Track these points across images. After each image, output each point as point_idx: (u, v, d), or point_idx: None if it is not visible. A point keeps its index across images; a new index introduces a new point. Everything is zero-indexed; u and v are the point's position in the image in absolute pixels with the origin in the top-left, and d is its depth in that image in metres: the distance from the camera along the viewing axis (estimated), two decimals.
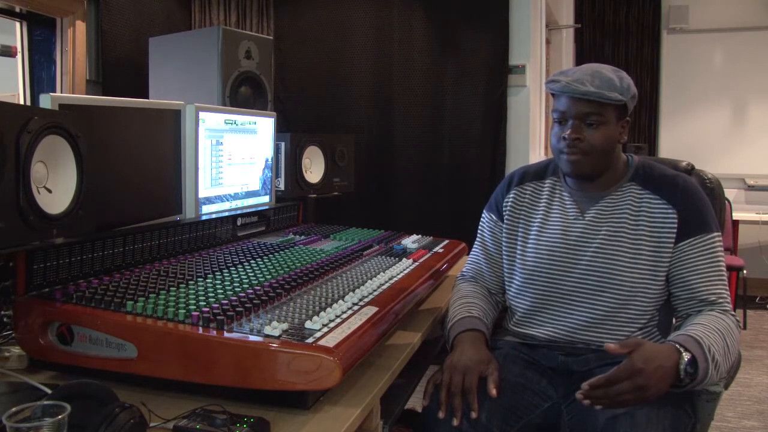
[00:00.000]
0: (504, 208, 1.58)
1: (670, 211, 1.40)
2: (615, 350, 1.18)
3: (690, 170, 1.66)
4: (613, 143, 1.42)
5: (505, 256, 1.57)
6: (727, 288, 1.39)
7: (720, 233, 1.42)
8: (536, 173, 1.59)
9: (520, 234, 1.54)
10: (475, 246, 1.65)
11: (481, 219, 1.65)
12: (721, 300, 1.36)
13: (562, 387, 1.42)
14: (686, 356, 1.18)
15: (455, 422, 1.25)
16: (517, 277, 1.53)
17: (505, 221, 1.57)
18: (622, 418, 1.22)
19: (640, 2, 5.62)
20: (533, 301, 1.49)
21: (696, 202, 1.41)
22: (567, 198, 1.51)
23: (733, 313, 1.35)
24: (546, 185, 1.56)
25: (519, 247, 1.54)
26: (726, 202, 2.15)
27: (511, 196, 1.58)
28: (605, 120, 1.38)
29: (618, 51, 5.71)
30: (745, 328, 4.36)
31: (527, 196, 1.57)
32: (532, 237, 1.52)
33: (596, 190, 1.47)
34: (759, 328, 4.43)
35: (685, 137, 5.59)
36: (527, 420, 1.35)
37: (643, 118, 5.68)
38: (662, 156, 5.45)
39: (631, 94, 1.40)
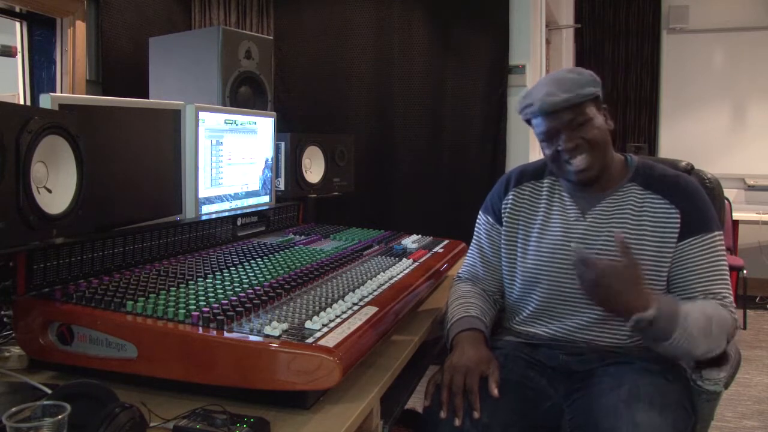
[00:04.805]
0: (503, 211, 1.56)
1: (672, 210, 1.40)
2: (617, 239, 1.26)
3: (689, 170, 1.66)
4: (606, 133, 1.43)
5: (504, 260, 1.56)
6: (729, 287, 1.38)
7: (721, 232, 1.41)
8: (534, 172, 1.57)
9: (519, 238, 1.53)
10: (471, 248, 1.64)
11: (477, 220, 1.62)
12: (720, 297, 1.36)
13: (563, 386, 1.42)
14: (646, 315, 1.20)
15: (457, 422, 1.25)
16: (518, 281, 1.52)
17: (503, 224, 1.55)
18: (624, 418, 1.21)
19: (640, 2, 5.62)
20: (536, 304, 1.48)
21: (698, 201, 1.41)
22: (567, 198, 1.50)
23: (732, 309, 1.35)
24: (545, 185, 1.54)
25: (519, 251, 1.52)
26: (726, 202, 2.15)
27: (510, 198, 1.56)
28: (589, 116, 1.39)
29: (618, 51, 5.71)
30: (744, 328, 4.36)
31: (526, 197, 1.55)
32: (532, 240, 1.50)
33: (596, 190, 1.47)
34: (759, 328, 4.43)
35: (685, 137, 5.59)
36: (528, 420, 1.35)
37: (643, 118, 5.68)
38: (662, 156, 5.45)
39: (599, 82, 1.43)
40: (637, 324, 1.21)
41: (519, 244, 1.53)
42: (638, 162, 1.49)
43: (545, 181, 1.55)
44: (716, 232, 1.39)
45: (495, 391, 1.27)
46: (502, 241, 1.55)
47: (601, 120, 1.42)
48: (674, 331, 1.22)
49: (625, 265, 1.23)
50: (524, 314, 1.51)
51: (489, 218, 1.59)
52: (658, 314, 1.20)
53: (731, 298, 1.38)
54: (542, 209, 1.52)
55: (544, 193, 1.53)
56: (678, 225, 1.39)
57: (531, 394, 1.38)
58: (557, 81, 1.40)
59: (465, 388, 1.27)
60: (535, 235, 1.50)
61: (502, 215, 1.56)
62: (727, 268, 1.40)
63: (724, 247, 1.41)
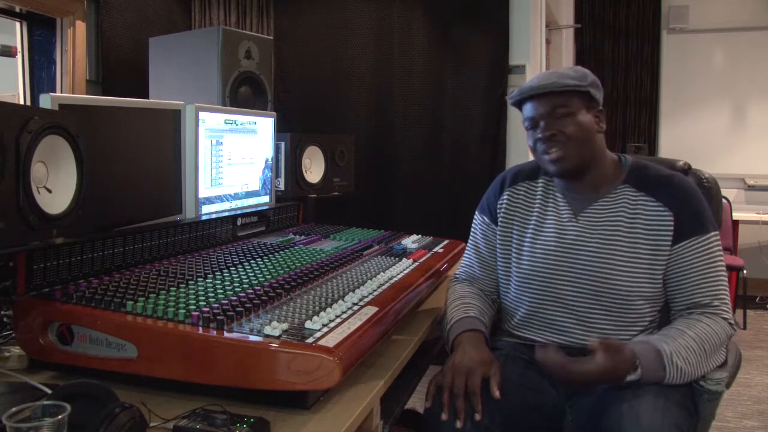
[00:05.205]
0: (498, 211, 1.56)
1: (666, 213, 1.39)
2: (592, 348, 1.24)
3: (687, 170, 1.65)
4: (590, 132, 1.42)
5: (499, 260, 1.56)
6: (726, 288, 1.38)
7: (717, 232, 1.41)
8: (529, 172, 1.57)
9: (514, 237, 1.53)
10: (468, 248, 1.64)
11: (474, 221, 1.63)
12: (716, 302, 1.35)
13: (564, 387, 1.41)
14: (634, 376, 1.24)
15: (458, 424, 1.25)
16: (513, 282, 1.52)
17: (499, 224, 1.56)
18: (627, 420, 1.21)
19: (640, 2, 5.62)
20: (530, 305, 1.48)
21: (692, 202, 1.40)
22: (560, 199, 1.50)
23: (725, 316, 1.35)
24: (539, 185, 1.54)
25: (514, 251, 1.52)
26: (724, 201, 2.15)
27: (505, 197, 1.56)
28: (572, 110, 1.40)
29: (618, 51, 5.71)
30: (744, 328, 4.36)
31: (521, 196, 1.55)
32: (527, 240, 1.50)
33: (589, 191, 1.46)
34: (759, 328, 4.43)
35: (685, 137, 5.59)
36: (530, 421, 1.35)
37: (643, 118, 5.67)
38: (662, 156, 5.44)
39: (590, 81, 1.42)
40: (629, 384, 1.26)
41: (514, 245, 1.53)
42: (632, 162, 1.48)
43: (540, 181, 1.55)
44: (712, 233, 1.39)
45: (497, 393, 1.27)
46: (498, 241, 1.55)
47: (589, 118, 1.42)
48: (665, 374, 1.26)
49: (599, 361, 1.23)
50: (519, 316, 1.51)
51: (485, 218, 1.59)
52: (644, 366, 1.25)
53: (726, 299, 1.37)
54: (536, 209, 1.52)
55: (539, 193, 1.53)
56: (671, 228, 1.38)
57: (532, 395, 1.38)
58: (549, 74, 1.43)
59: (466, 389, 1.27)
60: (530, 235, 1.50)
61: (498, 215, 1.56)
62: (724, 268, 1.39)
63: (720, 248, 1.40)
